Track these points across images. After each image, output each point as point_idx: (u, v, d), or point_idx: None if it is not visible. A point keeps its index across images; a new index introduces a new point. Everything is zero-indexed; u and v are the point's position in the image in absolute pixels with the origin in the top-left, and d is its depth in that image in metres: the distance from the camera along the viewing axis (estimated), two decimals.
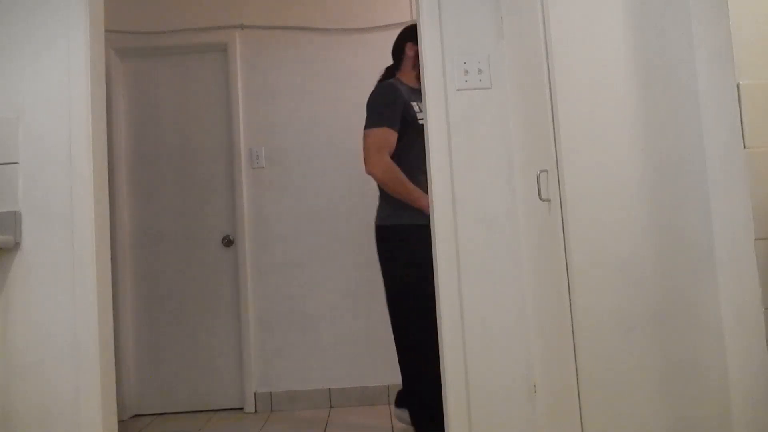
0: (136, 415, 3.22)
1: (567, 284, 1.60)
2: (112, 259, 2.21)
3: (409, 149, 2.42)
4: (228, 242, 3.28)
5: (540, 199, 1.75)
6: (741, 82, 1.41)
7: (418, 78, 2.49)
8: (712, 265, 1.56)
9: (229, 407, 3.24)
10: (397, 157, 2.43)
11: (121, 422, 3.05)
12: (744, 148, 1.40)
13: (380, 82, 2.61)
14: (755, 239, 1.38)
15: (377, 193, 3.27)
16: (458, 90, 2.11)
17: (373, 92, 2.49)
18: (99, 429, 1.94)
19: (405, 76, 2.59)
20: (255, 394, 3.18)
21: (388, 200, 2.46)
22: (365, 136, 2.42)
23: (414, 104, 2.47)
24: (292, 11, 3.35)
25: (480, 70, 2.11)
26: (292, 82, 3.33)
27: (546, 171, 1.71)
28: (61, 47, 2.06)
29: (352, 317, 3.22)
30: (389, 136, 2.38)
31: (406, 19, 3.30)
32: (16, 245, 2.00)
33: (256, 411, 3.17)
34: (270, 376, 3.21)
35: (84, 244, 1.99)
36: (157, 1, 3.34)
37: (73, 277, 1.98)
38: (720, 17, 1.45)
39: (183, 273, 3.27)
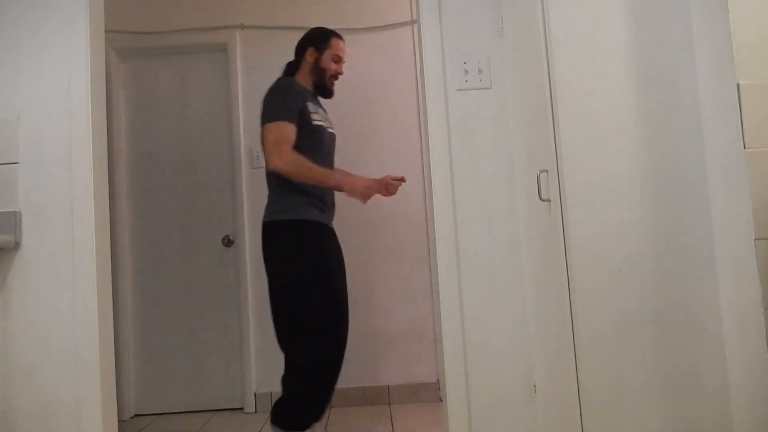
0: (136, 415, 3.22)
1: (567, 284, 1.60)
2: (112, 259, 2.21)
3: (302, 151, 2.29)
4: (228, 242, 3.28)
5: (540, 199, 1.75)
6: (741, 82, 1.41)
7: (314, 84, 2.47)
8: (712, 266, 1.56)
9: (229, 407, 3.24)
10: None
11: (121, 422, 3.05)
12: (744, 148, 1.40)
13: (280, 78, 2.52)
14: (755, 239, 1.38)
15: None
16: (458, 90, 2.11)
17: (270, 88, 2.37)
18: (99, 429, 1.94)
19: (302, 79, 2.49)
20: (255, 394, 3.18)
21: (279, 195, 2.32)
22: (264, 132, 2.27)
23: (309, 104, 2.37)
24: (292, 11, 3.34)
25: (480, 70, 2.11)
26: None
27: (546, 171, 1.71)
28: (61, 47, 2.06)
29: (352, 317, 3.22)
30: (288, 130, 2.25)
31: (406, 19, 3.30)
32: (16, 245, 2.00)
33: (256, 411, 3.17)
34: (270, 376, 3.20)
35: (84, 244, 1.99)
36: (157, 1, 3.34)
37: (73, 277, 1.98)
38: (720, 17, 1.45)
39: (183, 273, 3.27)
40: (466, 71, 2.11)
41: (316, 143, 2.36)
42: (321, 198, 2.35)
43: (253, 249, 3.25)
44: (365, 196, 2.29)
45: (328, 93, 2.52)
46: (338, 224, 3.24)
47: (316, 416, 2.32)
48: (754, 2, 1.43)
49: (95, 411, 1.94)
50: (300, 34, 3.54)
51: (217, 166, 3.32)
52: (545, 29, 1.66)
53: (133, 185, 3.30)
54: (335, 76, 2.51)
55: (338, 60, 2.50)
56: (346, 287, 2.41)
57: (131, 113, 3.34)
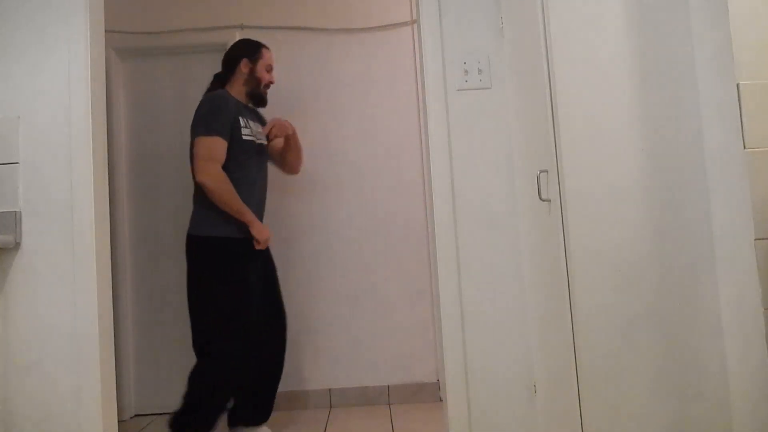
0: (136, 415, 3.21)
1: (567, 284, 1.60)
2: (112, 259, 2.21)
3: (234, 166, 2.38)
4: None
5: (540, 199, 1.75)
6: (741, 82, 1.41)
7: (248, 95, 2.55)
8: (712, 265, 1.56)
9: (229, 407, 3.23)
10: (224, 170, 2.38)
11: (121, 422, 3.05)
12: (744, 148, 1.40)
13: (209, 90, 2.57)
14: (755, 239, 1.38)
15: (379, 193, 3.28)
16: (458, 90, 2.11)
17: (203, 101, 2.42)
18: (99, 429, 1.94)
19: (234, 91, 2.55)
20: None
21: (205, 209, 2.39)
22: (195, 145, 2.34)
23: (241, 119, 2.44)
24: (292, 11, 3.35)
25: (480, 70, 2.11)
26: (291, 82, 3.33)
27: (546, 171, 1.71)
28: (61, 48, 2.06)
29: (352, 317, 3.22)
30: (220, 146, 2.33)
31: (406, 19, 3.30)
32: (16, 245, 2.00)
33: None
34: None
35: (84, 244, 1.99)
36: (157, 1, 3.34)
37: (73, 277, 1.98)
38: (720, 17, 1.45)
39: (183, 273, 3.25)
40: (466, 71, 2.11)
41: (245, 158, 2.45)
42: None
43: None
44: (261, 245, 2.42)
45: (263, 102, 2.61)
46: (338, 224, 3.25)
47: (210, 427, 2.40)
48: (754, 2, 1.43)
49: (95, 410, 1.94)
50: (300, 34, 3.53)
51: None
52: (545, 29, 1.66)
53: (133, 185, 3.30)
54: (268, 85, 2.61)
55: (270, 69, 2.61)
56: (272, 301, 2.55)
57: (131, 113, 3.34)
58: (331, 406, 3.18)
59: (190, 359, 3.23)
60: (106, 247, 2.08)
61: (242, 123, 2.44)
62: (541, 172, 1.73)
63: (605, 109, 1.61)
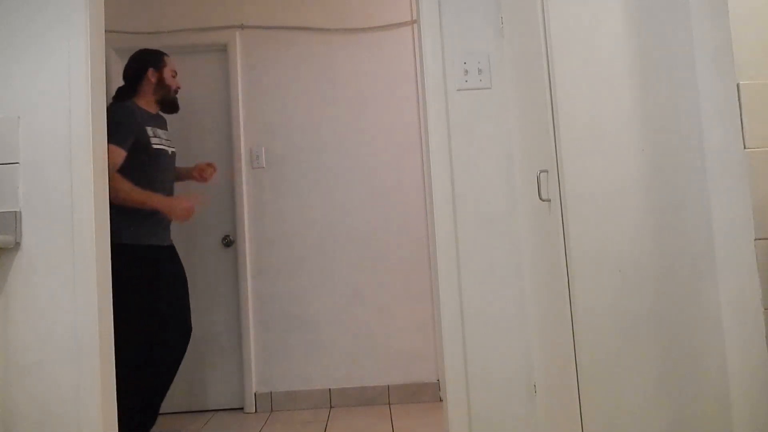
0: None
1: (567, 284, 1.60)
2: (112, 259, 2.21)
3: (141, 173, 2.45)
4: (228, 242, 3.28)
5: (540, 199, 1.75)
6: (741, 82, 1.41)
7: (157, 103, 2.61)
8: (712, 265, 1.56)
9: (229, 407, 3.24)
10: (130, 179, 2.44)
11: None
12: (744, 148, 1.40)
13: (115, 103, 2.59)
14: (755, 239, 1.38)
15: (379, 192, 3.28)
16: (458, 90, 2.11)
17: (108, 111, 2.38)
18: (99, 428, 1.94)
19: (143, 101, 2.61)
20: (255, 394, 3.19)
21: (123, 217, 2.43)
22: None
23: (149, 129, 2.51)
24: (292, 11, 3.35)
25: (480, 70, 2.11)
26: (292, 82, 3.33)
27: (546, 171, 1.71)
28: (62, 48, 2.06)
29: (352, 317, 3.23)
30: (114, 154, 2.37)
31: (406, 19, 3.30)
32: (17, 245, 2.00)
33: (256, 411, 3.17)
34: (270, 376, 3.21)
35: (84, 244, 1.99)
36: (157, 1, 3.34)
37: (74, 277, 1.98)
38: (720, 17, 1.45)
39: None
40: (466, 71, 2.11)
41: (157, 167, 2.54)
42: (163, 219, 2.52)
43: (253, 249, 3.25)
44: (184, 218, 2.52)
45: (175, 107, 2.70)
46: (338, 224, 3.25)
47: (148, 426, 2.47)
48: (754, 2, 1.43)
49: (95, 410, 1.94)
50: (300, 34, 3.53)
51: (216, 166, 3.31)
52: (545, 29, 1.66)
53: None
54: (176, 91, 2.69)
55: (175, 75, 2.69)
56: (184, 305, 2.59)
57: None
58: (331, 406, 3.18)
59: (189, 359, 3.24)
60: (106, 247, 2.08)
61: (150, 133, 2.52)
62: (541, 172, 1.73)
63: (605, 110, 1.61)
